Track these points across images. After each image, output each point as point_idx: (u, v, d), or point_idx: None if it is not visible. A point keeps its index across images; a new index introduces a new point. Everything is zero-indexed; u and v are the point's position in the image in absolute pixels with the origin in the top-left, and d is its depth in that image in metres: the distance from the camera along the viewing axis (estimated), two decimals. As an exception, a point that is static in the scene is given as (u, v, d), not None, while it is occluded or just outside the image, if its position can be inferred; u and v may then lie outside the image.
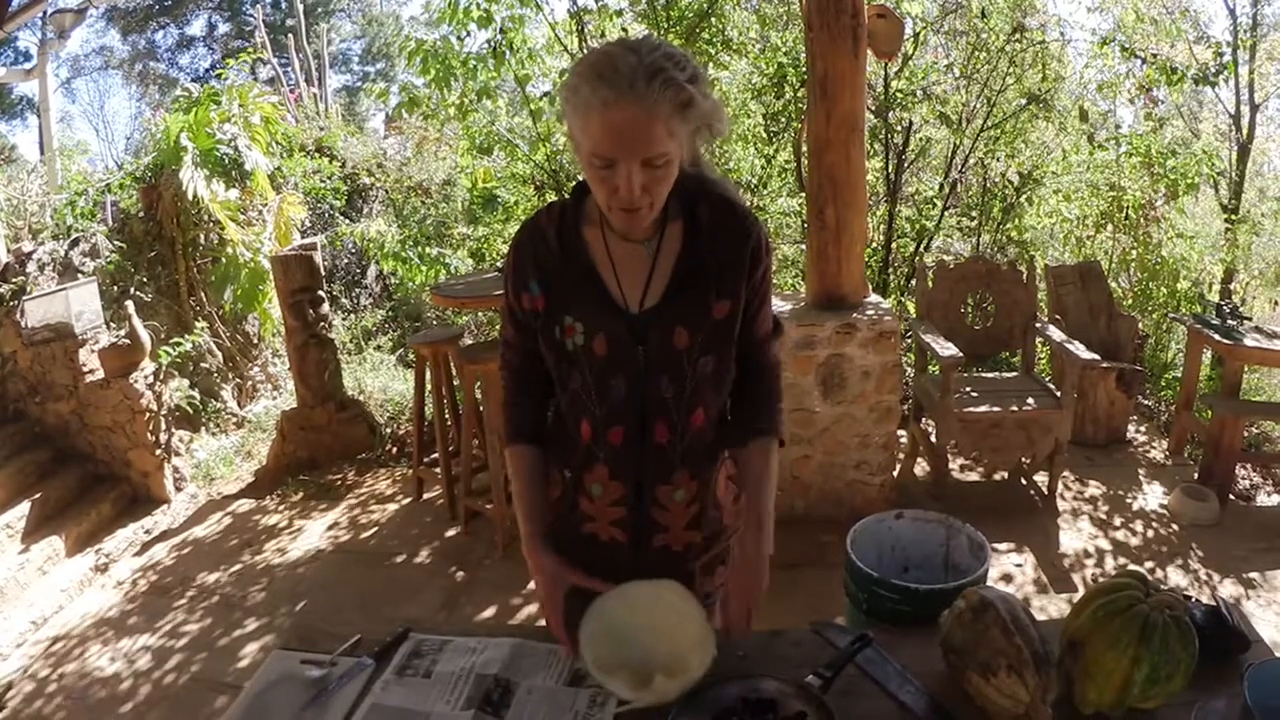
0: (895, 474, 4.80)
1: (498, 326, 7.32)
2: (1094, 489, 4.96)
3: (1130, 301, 6.89)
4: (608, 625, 1.71)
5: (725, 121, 1.63)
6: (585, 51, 5.82)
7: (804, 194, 5.40)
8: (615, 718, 1.62)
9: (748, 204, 1.87)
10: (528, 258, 1.74)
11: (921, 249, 7.04)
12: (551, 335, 1.72)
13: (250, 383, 7.48)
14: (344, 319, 8.38)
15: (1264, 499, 4.92)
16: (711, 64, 6.35)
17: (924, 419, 5.26)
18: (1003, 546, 4.31)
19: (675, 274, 1.69)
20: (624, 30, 6.39)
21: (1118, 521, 4.60)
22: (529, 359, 1.82)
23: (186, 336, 6.49)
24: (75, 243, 6.32)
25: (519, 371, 1.87)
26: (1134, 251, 7.12)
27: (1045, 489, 4.84)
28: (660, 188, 1.55)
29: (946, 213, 7.08)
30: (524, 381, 1.87)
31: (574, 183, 1.79)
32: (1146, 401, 6.18)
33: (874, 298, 4.71)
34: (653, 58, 1.47)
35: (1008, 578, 4.11)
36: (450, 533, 4.91)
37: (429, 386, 5.06)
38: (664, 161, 1.51)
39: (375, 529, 5.05)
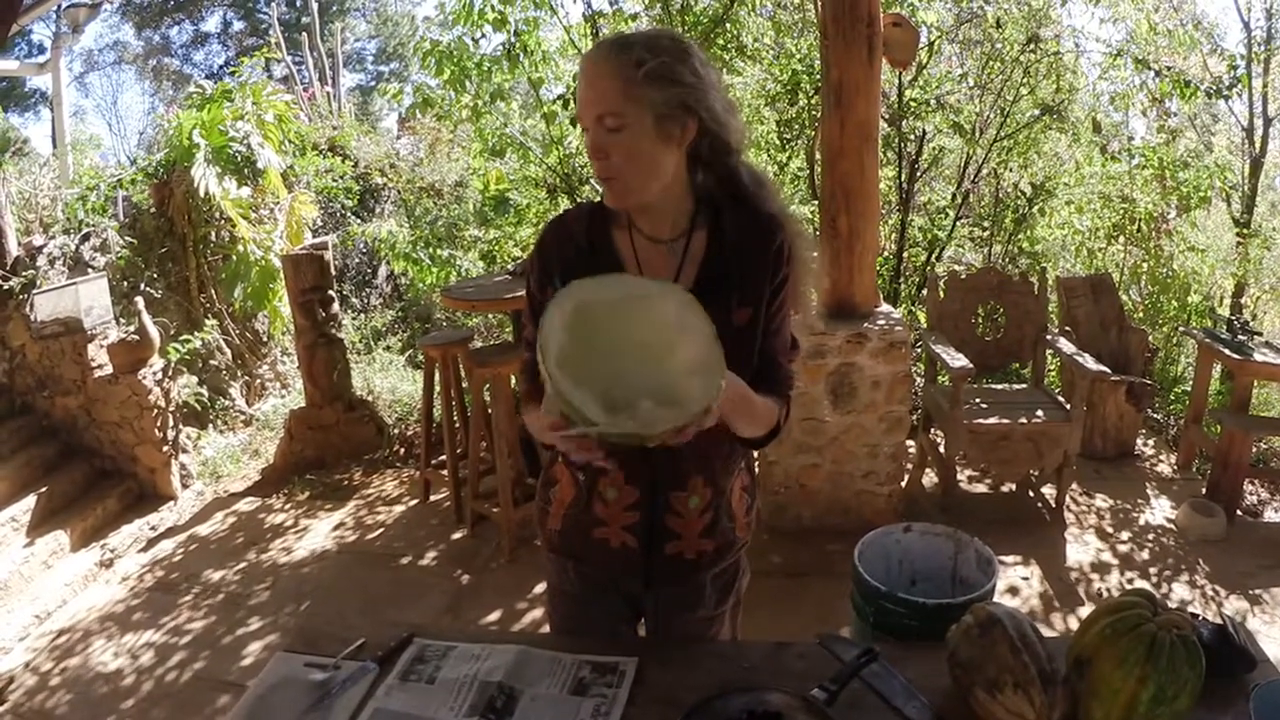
0: (903, 484, 4.78)
1: (507, 330, 7.36)
2: (1102, 502, 4.94)
3: (1141, 314, 6.87)
4: (579, 323, 1.47)
5: (723, 110, 1.67)
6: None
7: (817, 202, 5.39)
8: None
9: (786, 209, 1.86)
10: (552, 254, 1.76)
11: (933, 259, 7.03)
12: None
13: (259, 381, 7.50)
14: (354, 319, 8.40)
15: (1271, 515, 4.89)
16: (726, 70, 6.35)
17: (933, 430, 5.24)
18: (1009, 559, 4.29)
19: (699, 280, 1.71)
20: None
21: (1125, 535, 4.58)
22: None
23: (196, 333, 6.52)
24: (86, 237, 6.33)
25: (535, 375, 1.78)
26: (1145, 264, 7.10)
27: (1053, 501, 4.82)
28: (619, 154, 1.60)
29: (958, 223, 7.07)
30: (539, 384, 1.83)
31: (588, 187, 1.82)
32: (1156, 415, 6.15)
33: (885, 307, 4.69)
34: (633, 34, 1.61)
35: (1014, 590, 4.09)
36: (456, 535, 4.90)
37: (438, 388, 5.06)
38: (617, 125, 1.58)
39: (381, 530, 5.06)
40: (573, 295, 1.49)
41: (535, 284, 1.78)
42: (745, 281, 1.71)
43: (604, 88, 1.57)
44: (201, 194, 6.42)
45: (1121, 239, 7.22)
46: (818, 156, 5.31)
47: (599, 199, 1.79)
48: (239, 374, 7.32)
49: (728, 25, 6.24)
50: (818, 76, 5.52)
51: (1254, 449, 5.03)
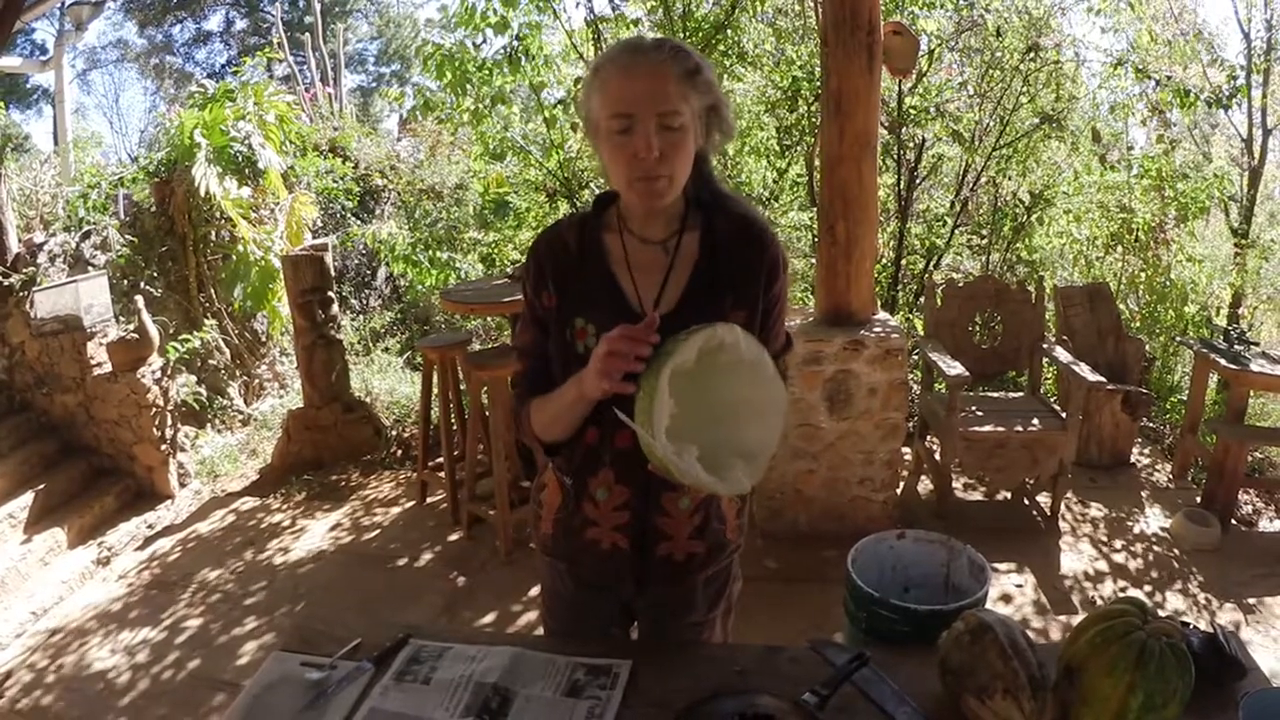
0: (899, 491, 4.79)
1: (506, 333, 7.35)
2: (1096, 511, 4.95)
3: (1138, 324, 6.88)
4: (677, 387, 1.51)
5: (733, 119, 1.75)
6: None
7: (815, 209, 5.40)
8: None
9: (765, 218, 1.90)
10: (545, 261, 1.77)
11: (931, 267, 7.05)
12: (562, 337, 1.74)
13: (257, 381, 7.50)
14: (353, 320, 8.40)
15: (1266, 524, 4.90)
16: (726, 76, 6.36)
17: (929, 437, 5.25)
18: (1003, 566, 4.30)
19: (691, 281, 1.72)
20: (640, 40, 6.41)
21: (1119, 544, 4.59)
22: (546, 363, 1.80)
23: (195, 333, 6.53)
24: (86, 235, 6.35)
25: (534, 380, 1.81)
26: (1143, 274, 7.12)
27: (1048, 510, 4.83)
28: (677, 157, 1.61)
29: (957, 231, 7.09)
30: (539, 388, 1.80)
31: (588, 191, 1.84)
32: (1151, 424, 6.16)
33: (882, 315, 4.70)
34: (665, 37, 1.65)
35: (1007, 598, 4.10)
36: (453, 537, 4.91)
37: (435, 390, 5.07)
38: (679, 124, 1.59)
39: (378, 531, 5.06)
40: (670, 359, 1.49)
41: (531, 289, 1.80)
42: (738, 284, 1.74)
43: (665, 86, 1.58)
44: (202, 193, 6.43)
45: (1119, 248, 7.24)
46: (817, 163, 5.33)
47: (591, 207, 1.82)
48: (237, 374, 7.32)
49: (729, 31, 6.25)
50: (818, 83, 5.54)
51: (1249, 459, 5.03)
